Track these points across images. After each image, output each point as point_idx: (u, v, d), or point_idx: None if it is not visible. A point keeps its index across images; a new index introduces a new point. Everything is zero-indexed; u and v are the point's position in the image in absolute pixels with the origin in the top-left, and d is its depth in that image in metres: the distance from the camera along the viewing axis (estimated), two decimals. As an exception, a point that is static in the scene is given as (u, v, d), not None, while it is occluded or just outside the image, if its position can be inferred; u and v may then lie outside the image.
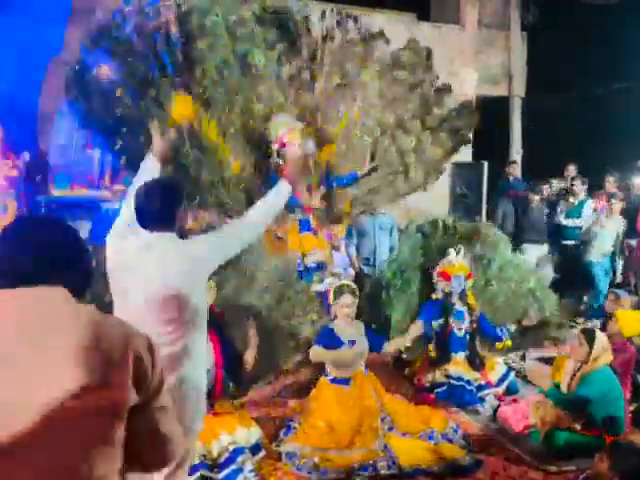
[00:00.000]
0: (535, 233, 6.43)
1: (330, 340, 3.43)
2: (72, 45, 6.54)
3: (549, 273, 6.38)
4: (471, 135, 5.18)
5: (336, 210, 4.78)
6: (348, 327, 3.50)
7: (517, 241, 6.31)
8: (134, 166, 4.21)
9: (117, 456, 1.08)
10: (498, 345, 4.13)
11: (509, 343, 4.24)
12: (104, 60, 3.98)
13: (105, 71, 3.96)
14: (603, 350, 3.31)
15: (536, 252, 6.40)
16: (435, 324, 4.06)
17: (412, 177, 4.80)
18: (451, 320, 4.06)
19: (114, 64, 4.00)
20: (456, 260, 4.11)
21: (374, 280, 4.75)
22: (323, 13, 4.52)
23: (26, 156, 6.37)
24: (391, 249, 5.23)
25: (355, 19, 4.59)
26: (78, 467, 1.02)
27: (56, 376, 1.02)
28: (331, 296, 3.52)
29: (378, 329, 3.99)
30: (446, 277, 4.12)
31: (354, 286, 3.63)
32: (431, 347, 4.10)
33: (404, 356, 4.41)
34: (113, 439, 1.06)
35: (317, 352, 3.41)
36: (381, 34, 4.64)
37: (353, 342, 3.45)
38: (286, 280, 3.61)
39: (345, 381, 3.38)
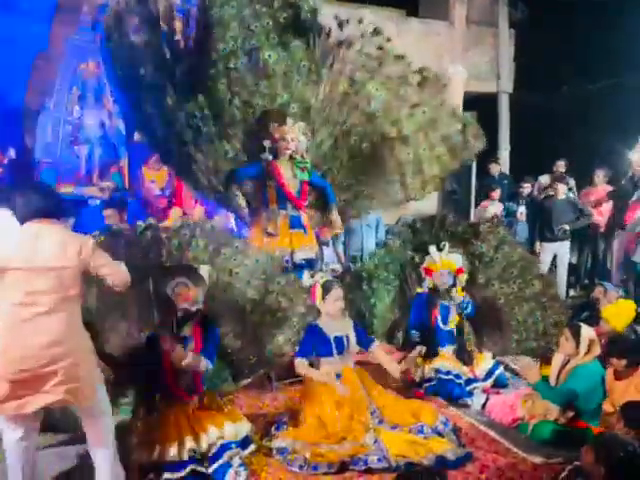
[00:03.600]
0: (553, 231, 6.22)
1: (317, 340, 3.41)
2: (58, 41, 6.49)
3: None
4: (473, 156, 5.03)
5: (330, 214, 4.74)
6: (336, 322, 3.49)
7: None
8: (147, 137, 4.59)
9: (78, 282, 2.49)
10: None
11: None
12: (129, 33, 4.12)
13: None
14: (590, 344, 3.35)
15: (555, 250, 6.24)
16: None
17: (408, 186, 4.81)
18: (436, 313, 4.11)
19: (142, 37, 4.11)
20: (438, 256, 4.15)
21: (355, 272, 4.72)
22: (347, 21, 4.46)
23: (11, 153, 6.29)
24: (377, 245, 5.25)
25: (377, 32, 4.53)
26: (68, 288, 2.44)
27: (55, 255, 2.41)
28: (319, 292, 3.50)
29: (361, 321, 4.03)
30: (429, 273, 4.20)
31: (338, 281, 3.66)
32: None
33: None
34: (76, 279, 2.46)
35: (301, 367, 3.41)
36: (402, 57, 4.61)
37: (340, 339, 3.44)
38: (269, 274, 3.57)
39: (335, 376, 3.37)
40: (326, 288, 3.49)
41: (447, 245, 4.21)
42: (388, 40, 4.53)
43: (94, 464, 2.57)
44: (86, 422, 2.55)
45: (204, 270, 3.15)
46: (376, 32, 4.49)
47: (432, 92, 4.74)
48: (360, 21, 4.47)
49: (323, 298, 3.48)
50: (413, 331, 4.10)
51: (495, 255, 4.42)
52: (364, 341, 3.60)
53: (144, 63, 4.14)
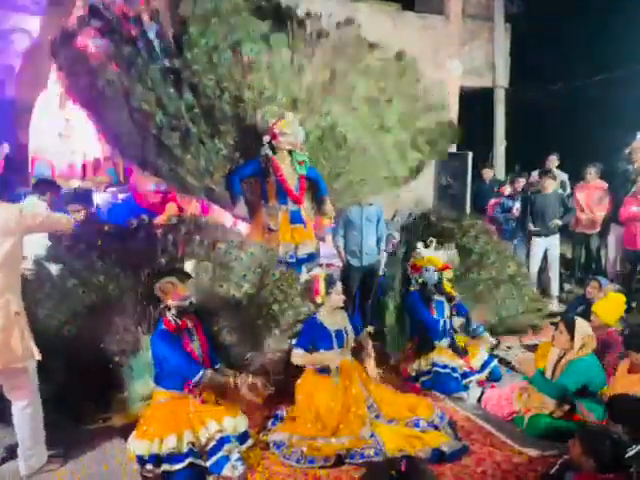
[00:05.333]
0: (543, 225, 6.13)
1: (317, 333, 3.40)
2: (50, 34, 6.42)
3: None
4: (448, 149, 5.35)
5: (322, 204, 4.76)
6: (335, 316, 3.49)
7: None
8: (114, 143, 4.42)
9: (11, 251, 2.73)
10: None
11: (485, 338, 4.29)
12: (94, 39, 4.05)
13: (93, 48, 4.04)
14: (585, 338, 3.36)
15: (546, 245, 6.16)
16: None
17: (394, 172, 4.91)
18: (432, 309, 4.13)
19: (103, 43, 4.02)
20: (425, 253, 4.18)
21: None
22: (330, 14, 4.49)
23: (5, 148, 6.24)
24: (378, 240, 5.23)
25: (358, 25, 4.58)
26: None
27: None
28: (322, 286, 3.47)
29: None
30: (416, 269, 4.23)
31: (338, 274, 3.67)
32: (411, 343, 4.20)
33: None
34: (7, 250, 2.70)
35: (299, 356, 3.38)
36: (376, 45, 4.68)
37: (341, 332, 3.44)
38: (264, 267, 3.56)
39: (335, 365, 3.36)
40: (330, 282, 3.48)
41: (434, 241, 4.24)
42: (348, 22, 4.56)
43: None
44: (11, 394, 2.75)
45: (189, 265, 3.21)
46: (348, 22, 4.53)
47: (410, 81, 4.84)
48: (330, 14, 4.49)
49: (327, 292, 3.46)
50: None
51: (474, 245, 4.71)
52: (357, 329, 3.62)
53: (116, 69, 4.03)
